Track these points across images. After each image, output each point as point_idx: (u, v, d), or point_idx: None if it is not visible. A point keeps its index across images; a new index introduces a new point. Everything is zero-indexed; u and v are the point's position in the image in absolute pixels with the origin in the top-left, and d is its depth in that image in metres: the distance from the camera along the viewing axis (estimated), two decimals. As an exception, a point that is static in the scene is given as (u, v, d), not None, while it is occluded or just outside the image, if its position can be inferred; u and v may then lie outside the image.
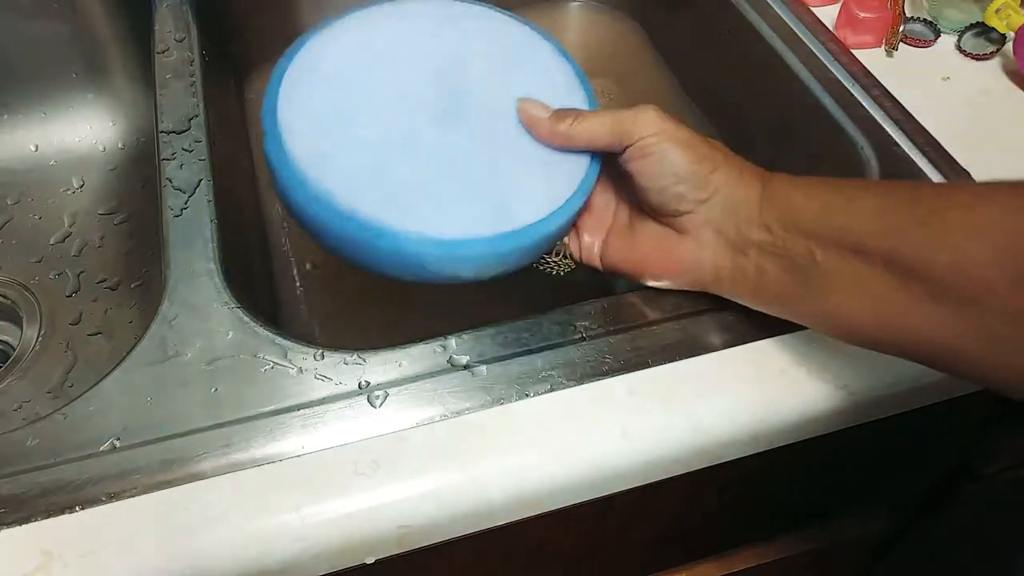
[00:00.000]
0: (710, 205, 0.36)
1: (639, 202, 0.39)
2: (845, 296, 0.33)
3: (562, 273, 0.43)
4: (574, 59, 0.44)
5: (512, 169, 0.39)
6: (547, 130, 0.39)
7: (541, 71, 0.42)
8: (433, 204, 0.37)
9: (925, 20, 0.58)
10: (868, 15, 0.55)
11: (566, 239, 0.42)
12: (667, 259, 0.38)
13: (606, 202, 0.42)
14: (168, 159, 0.47)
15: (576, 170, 0.39)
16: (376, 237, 0.36)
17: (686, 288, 0.39)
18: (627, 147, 0.37)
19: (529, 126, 0.39)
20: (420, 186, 0.37)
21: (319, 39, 0.42)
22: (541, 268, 0.43)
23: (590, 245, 0.42)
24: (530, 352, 0.39)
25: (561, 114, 0.39)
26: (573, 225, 0.41)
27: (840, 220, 0.32)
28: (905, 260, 0.30)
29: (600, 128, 0.38)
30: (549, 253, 0.42)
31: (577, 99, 0.41)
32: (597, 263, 0.42)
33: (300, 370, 0.38)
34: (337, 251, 0.38)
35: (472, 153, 0.39)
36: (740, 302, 0.38)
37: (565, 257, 0.42)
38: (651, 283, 0.40)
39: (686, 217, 0.37)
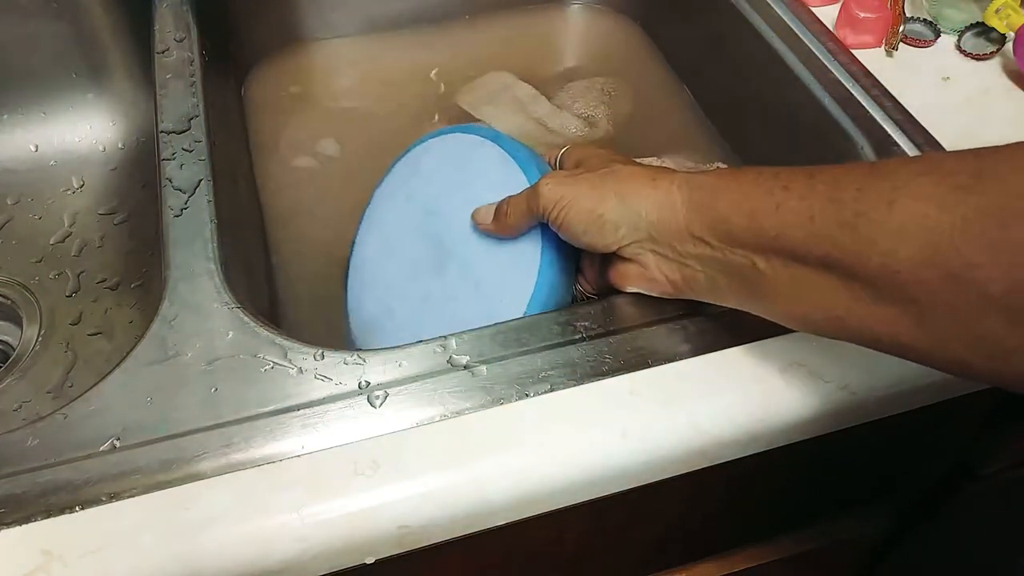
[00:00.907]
0: (633, 235, 0.38)
1: None
2: (793, 298, 0.33)
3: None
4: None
5: (492, 278, 0.44)
6: (496, 230, 0.43)
7: (482, 167, 0.47)
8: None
9: (925, 20, 0.58)
10: (868, 15, 0.55)
11: (577, 286, 0.45)
12: (628, 280, 0.40)
13: None
14: (168, 159, 0.47)
15: (534, 247, 0.43)
16: None
17: (664, 297, 0.40)
18: (547, 221, 0.40)
19: (487, 232, 0.44)
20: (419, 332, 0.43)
21: (357, 246, 0.53)
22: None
23: (593, 278, 0.45)
24: (530, 352, 0.39)
25: (497, 212, 0.43)
26: (560, 286, 0.43)
27: (771, 229, 0.32)
28: (841, 264, 0.30)
29: (521, 214, 0.41)
30: (572, 300, 0.46)
31: (511, 172, 0.45)
32: (606, 288, 0.44)
33: (300, 370, 0.38)
34: None
35: (463, 287, 0.45)
36: (710, 302, 0.38)
37: (586, 297, 0.45)
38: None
39: (621, 250, 0.39)
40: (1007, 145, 0.27)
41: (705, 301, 0.38)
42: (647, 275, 0.39)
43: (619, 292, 0.42)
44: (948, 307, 0.27)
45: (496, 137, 0.47)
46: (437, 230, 0.47)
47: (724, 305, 0.38)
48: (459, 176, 0.47)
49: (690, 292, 0.38)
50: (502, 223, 0.42)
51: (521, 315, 0.41)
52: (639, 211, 0.37)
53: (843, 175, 0.31)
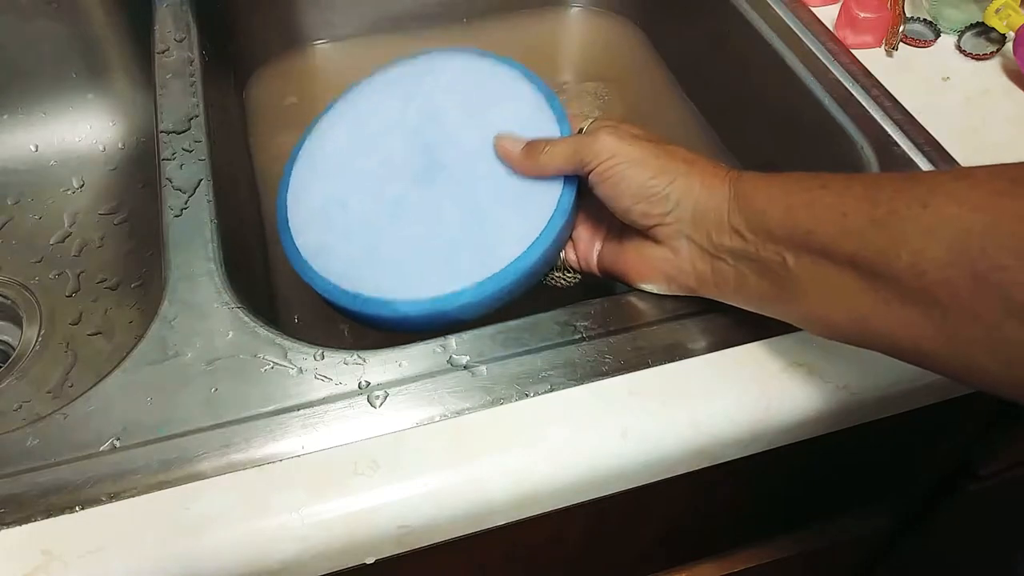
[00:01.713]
0: (677, 215, 0.37)
1: None
2: (819, 298, 0.33)
3: (570, 286, 0.44)
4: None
5: (492, 210, 0.42)
6: (520, 164, 0.41)
7: (510, 100, 0.45)
8: (421, 267, 0.41)
9: (925, 20, 0.58)
10: (868, 15, 0.55)
11: (561, 255, 0.44)
12: (649, 267, 0.39)
13: (598, 213, 0.43)
14: (168, 159, 0.47)
15: (551, 195, 0.41)
16: (380, 309, 0.40)
17: (677, 293, 0.40)
18: (588, 172, 0.39)
19: (506, 161, 0.42)
20: (410, 255, 0.41)
21: (315, 136, 0.48)
22: (548, 283, 0.44)
23: (586, 254, 0.44)
24: (530, 352, 0.39)
25: (531, 147, 0.41)
26: (560, 245, 0.43)
27: (804, 224, 0.32)
28: (869, 263, 0.30)
29: (563, 156, 0.39)
30: (552, 269, 0.43)
31: (545, 118, 0.43)
32: (595, 270, 0.44)
33: (300, 370, 0.38)
34: (355, 321, 0.43)
35: (453, 206, 0.42)
36: (728, 303, 0.38)
37: (567, 270, 0.43)
38: (643, 287, 0.41)
39: (657, 229, 0.38)
40: None
41: (724, 301, 0.38)
42: (675, 263, 0.38)
43: (598, 279, 0.42)
44: (971, 310, 0.27)
45: (535, 79, 0.45)
46: (433, 139, 0.44)
47: (743, 307, 0.37)
48: (482, 99, 0.45)
49: (714, 289, 0.37)
50: (534, 159, 0.40)
51: (512, 258, 0.40)
52: (692, 191, 0.36)
53: (881, 178, 0.32)
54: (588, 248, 0.43)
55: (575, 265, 0.44)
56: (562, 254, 0.44)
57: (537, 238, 0.40)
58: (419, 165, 0.44)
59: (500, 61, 0.47)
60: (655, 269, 0.39)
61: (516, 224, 0.41)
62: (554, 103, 0.44)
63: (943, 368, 0.30)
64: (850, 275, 0.31)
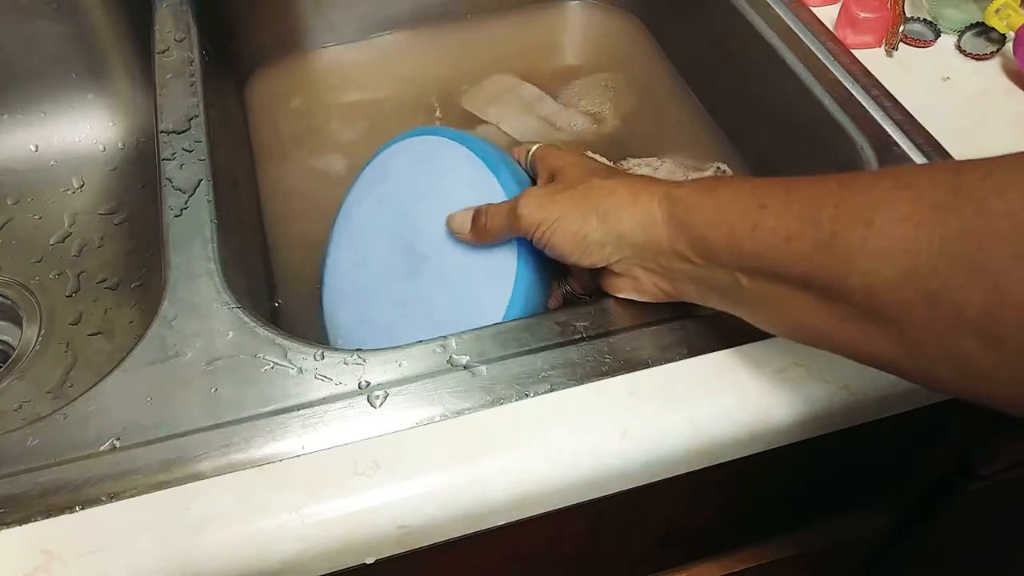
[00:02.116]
0: (619, 253, 0.38)
1: None
2: (778, 314, 0.33)
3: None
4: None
5: (467, 286, 0.44)
6: (472, 238, 0.43)
7: (453, 174, 0.46)
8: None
9: (925, 20, 0.58)
10: (868, 15, 0.55)
11: (568, 289, 0.46)
12: (622, 290, 0.40)
13: None
14: (168, 159, 0.47)
15: (509, 257, 0.42)
16: None
17: (658, 302, 0.40)
18: (531, 239, 0.39)
19: (459, 238, 0.43)
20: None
21: (330, 251, 0.52)
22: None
23: (584, 281, 0.45)
24: (530, 352, 0.39)
25: (475, 221, 0.42)
26: (540, 285, 0.43)
27: (750, 249, 0.32)
28: (821, 284, 0.30)
29: (501, 226, 0.41)
30: (567, 304, 0.46)
31: (485, 182, 0.44)
32: (599, 288, 0.44)
33: (300, 370, 0.38)
34: None
35: (437, 291, 0.45)
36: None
37: (579, 298, 0.46)
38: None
39: (611, 267, 0.39)
40: (985, 160, 0.27)
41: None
42: (640, 287, 0.39)
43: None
44: (927, 327, 0.27)
45: (463, 139, 0.46)
46: (409, 235, 0.47)
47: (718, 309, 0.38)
48: (429, 179, 0.47)
49: (685, 298, 0.38)
50: (480, 232, 0.42)
51: (500, 320, 0.41)
52: (622, 230, 0.37)
53: (819, 190, 0.31)
54: (583, 275, 0.44)
55: (580, 292, 0.45)
56: (568, 288, 0.45)
57: (510, 300, 0.41)
58: (407, 263, 0.46)
59: (437, 134, 0.48)
60: (627, 291, 0.40)
61: (490, 291, 0.42)
62: (487, 157, 0.45)
63: (907, 378, 0.30)
64: (805, 294, 0.31)
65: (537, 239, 0.39)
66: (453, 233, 0.44)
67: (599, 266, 0.39)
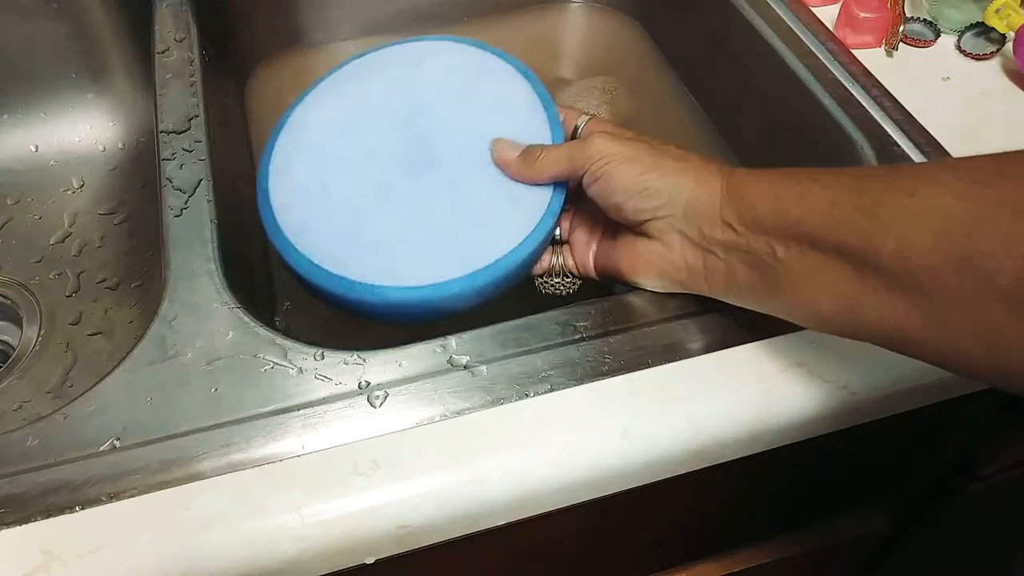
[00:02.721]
0: (668, 210, 0.38)
1: None
2: (808, 288, 0.33)
3: (571, 292, 0.45)
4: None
5: (484, 205, 0.42)
6: (517, 170, 0.42)
7: (505, 99, 0.45)
8: (410, 255, 0.41)
9: (925, 20, 0.58)
10: (868, 15, 0.55)
11: (559, 260, 0.44)
12: (642, 262, 0.40)
13: (592, 217, 0.44)
14: (168, 159, 0.47)
15: (543, 197, 0.42)
16: (367, 295, 0.40)
17: (671, 290, 0.40)
18: (583, 175, 0.39)
19: (502, 166, 0.42)
20: (396, 240, 0.41)
21: (300, 112, 0.47)
22: (548, 292, 0.45)
23: (583, 258, 0.44)
24: (530, 352, 0.39)
25: (527, 154, 0.41)
26: (545, 246, 0.43)
27: (793, 215, 0.33)
28: (856, 251, 0.31)
29: (558, 163, 0.40)
30: (550, 275, 0.45)
31: (538, 120, 0.43)
32: (592, 273, 0.44)
33: (300, 370, 0.38)
34: (335, 307, 0.43)
35: (442, 198, 0.42)
36: (718, 298, 0.38)
37: (566, 276, 0.44)
38: (639, 285, 0.41)
39: (649, 224, 0.38)
40: None
41: (715, 297, 0.38)
42: (667, 257, 0.38)
43: (598, 283, 0.42)
44: (956, 295, 0.28)
45: (533, 80, 0.45)
46: (425, 130, 0.44)
47: (734, 303, 0.38)
48: (476, 93, 0.45)
49: (704, 284, 0.38)
50: (530, 166, 0.41)
51: (504, 253, 0.40)
52: (684, 186, 0.37)
53: (870, 171, 0.33)
54: (584, 251, 0.44)
55: (573, 270, 0.44)
56: (560, 260, 0.44)
57: (528, 235, 0.41)
58: (409, 155, 0.44)
59: (496, 55, 0.46)
60: (648, 264, 0.39)
61: (507, 221, 0.41)
62: (548, 106, 0.44)
63: (929, 354, 0.30)
64: (838, 263, 0.32)
65: (597, 170, 0.38)
66: (498, 157, 0.42)
67: (640, 219, 0.38)
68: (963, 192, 0.28)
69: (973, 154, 0.30)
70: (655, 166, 0.38)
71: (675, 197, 0.37)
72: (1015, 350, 0.27)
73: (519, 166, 0.41)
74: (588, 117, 0.44)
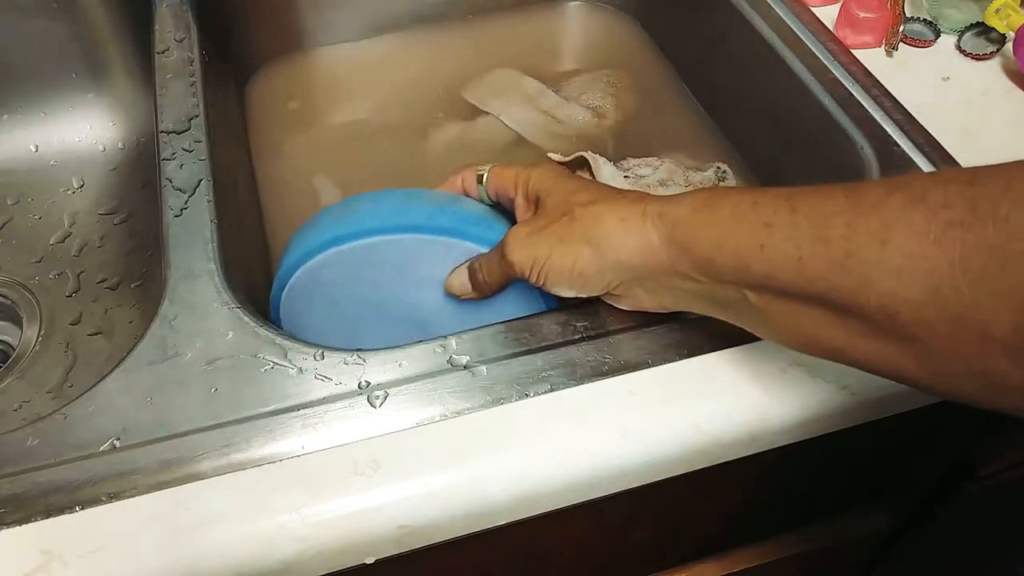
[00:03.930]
0: (620, 279, 0.36)
1: None
2: (788, 329, 0.32)
3: None
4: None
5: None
6: (478, 296, 0.41)
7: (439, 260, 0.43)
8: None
9: (925, 20, 0.58)
10: (868, 15, 0.55)
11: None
12: (624, 305, 0.39)
13: None
14: (168, 159, 0.47)
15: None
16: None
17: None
18: (526, 279, 0.38)
19: (466, 299, 0.42)
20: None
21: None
22: None
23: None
24: (530, 352, 0.39)
25: (473, 280, 0.41)
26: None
27: (759, 269, 0.31)
28: (838, 302, 0.29)
29: (499, 280, 0.40)
30: None
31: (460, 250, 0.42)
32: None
33: (300, 370, 0.38)
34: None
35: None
36: None
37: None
38: None
39: (613, 291, 0.37)
40: (1001, 170, 0.26)
41: None
42: (643, 304, 0.38)
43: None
44: (950, 346, 0.27)
45: (404, 228, 0.42)
46: (406, 314, 0.44)
47: None
48: (401, 275, 0.44)
49: (691, 309, 0.37)
50: (482, 287, 0.40)
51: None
52: (619, 258, 0.35)
53: (826, 206, 0.30)
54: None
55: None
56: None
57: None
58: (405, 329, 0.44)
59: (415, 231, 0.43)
60: (631, 307, 0.39)
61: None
62: (449, 232, 0.42)
63: (929, 392, 0.30)
64: (818, 311, 0.30)
65: (534, 281, 0.37)
66: (458, 297, 0.42)
67: (603, 293, 0.38)
68: (941, 238, 0.26)
69: (973, 151, 0.28)
70: (579, 253, 0.36)
71: (618, 267, 0.36)
72: (1017, 395, 0.26)
73: (477, 292, 0.41)
74: (487, 168, 0.43)
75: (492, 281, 0.40)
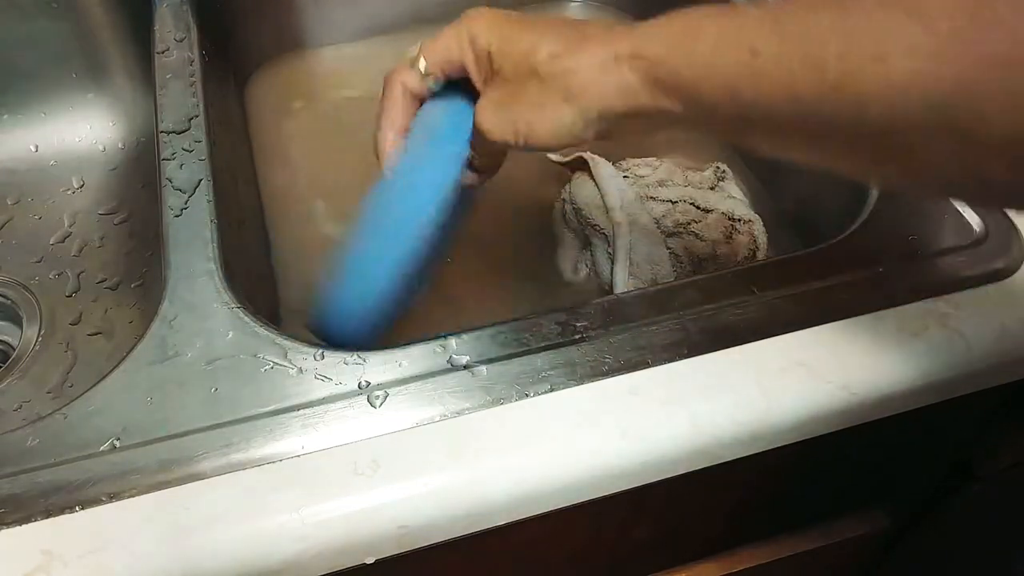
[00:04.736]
0: (607, 122, 0.35)
1: None
2: (776, 152, 0.32)
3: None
4: None
5: None
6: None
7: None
8: None
9: (925, 20, 0.58)
10: (868, 15, 0.55)
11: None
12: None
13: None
14: (168, 159, 0.47)
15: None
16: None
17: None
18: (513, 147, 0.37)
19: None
20: None
21: None
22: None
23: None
24: (530, 352, 0.39)
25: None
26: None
27: (749, 98, 0.29)
28: (832, 129, 0.28)
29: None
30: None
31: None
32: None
33: (300, 370, 0.38)
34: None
35: None
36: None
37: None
38: None
39: (602, 135, 0.36)
40: None
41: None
42: (631, 142, 0.37)
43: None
44: (951, 157, 0.26)
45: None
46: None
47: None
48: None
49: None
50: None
51: None
52: (600, 106, 0.34)
53: (815, 25, 0.28)
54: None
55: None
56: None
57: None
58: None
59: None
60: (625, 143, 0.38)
61: None
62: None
63: (917, 195, 0.30)
64: (813, 138, 0.30)
65: (520, 147, 0.36)
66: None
67: (595, 139, 0.36)
68: (942, 51, 0.24)
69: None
70: (556, 110, 0.34)
71: (602, 115, 0.34)
72: (1010, 196, 0.27)
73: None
74: (418, 49, 0.40)
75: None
